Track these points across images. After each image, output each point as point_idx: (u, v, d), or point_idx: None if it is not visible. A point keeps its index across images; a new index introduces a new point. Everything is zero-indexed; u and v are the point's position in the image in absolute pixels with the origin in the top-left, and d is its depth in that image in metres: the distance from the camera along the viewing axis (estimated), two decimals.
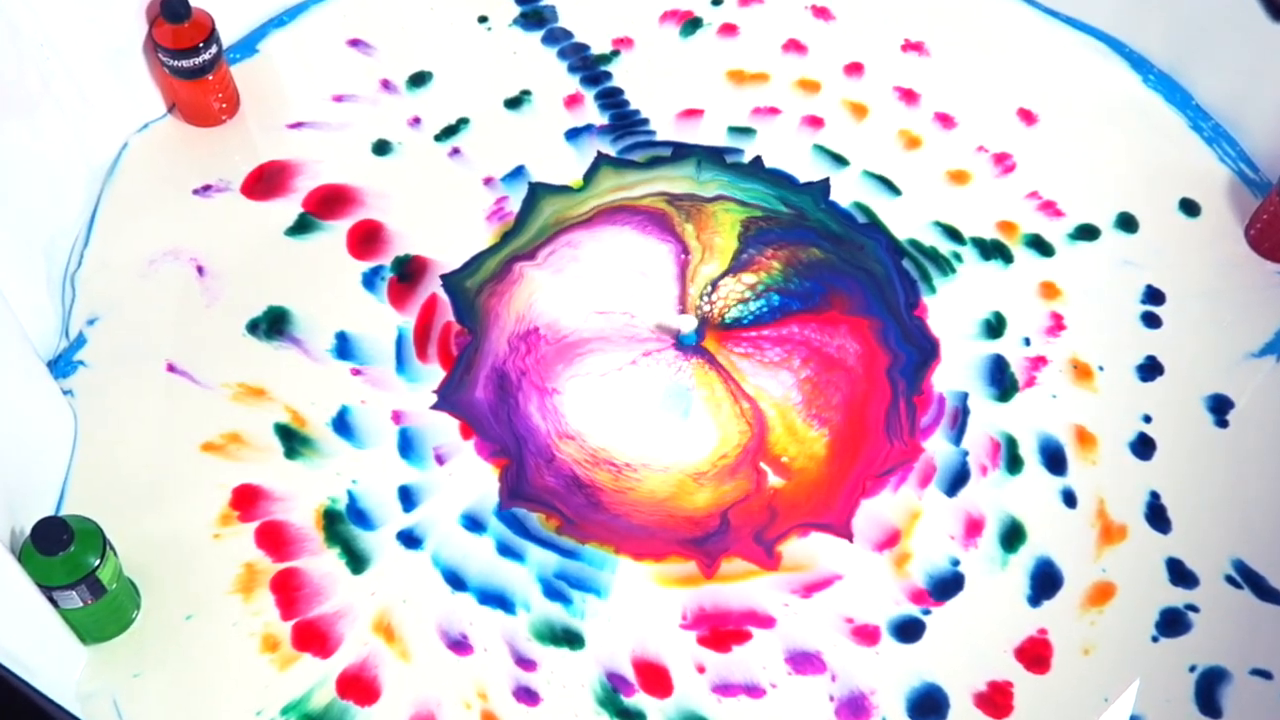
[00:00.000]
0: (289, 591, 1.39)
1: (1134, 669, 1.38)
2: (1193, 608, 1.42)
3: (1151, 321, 1.62)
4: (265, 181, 1.68)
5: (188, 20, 1.61)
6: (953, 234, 1.69)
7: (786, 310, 1.64)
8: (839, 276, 1.67)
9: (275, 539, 1.42)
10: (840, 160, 1.76)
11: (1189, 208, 1.72)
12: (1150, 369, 1.59)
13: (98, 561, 1.26)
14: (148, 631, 1.35)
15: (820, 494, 1.50)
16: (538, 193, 1.72)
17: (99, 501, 1.39)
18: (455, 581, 1.41)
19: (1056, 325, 1.62)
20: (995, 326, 1.62)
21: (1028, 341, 1.61)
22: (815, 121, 1.80)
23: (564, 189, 1.72)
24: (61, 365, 1.51)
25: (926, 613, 1.41)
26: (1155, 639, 1.40)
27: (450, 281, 1.63)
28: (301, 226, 1.65)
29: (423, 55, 1.82)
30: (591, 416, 1.54)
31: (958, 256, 1.68)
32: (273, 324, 1.57)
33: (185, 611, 1.36)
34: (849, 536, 1.47)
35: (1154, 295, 1.64)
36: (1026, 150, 1.77)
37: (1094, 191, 1.73)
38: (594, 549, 1.44)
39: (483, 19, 1.87)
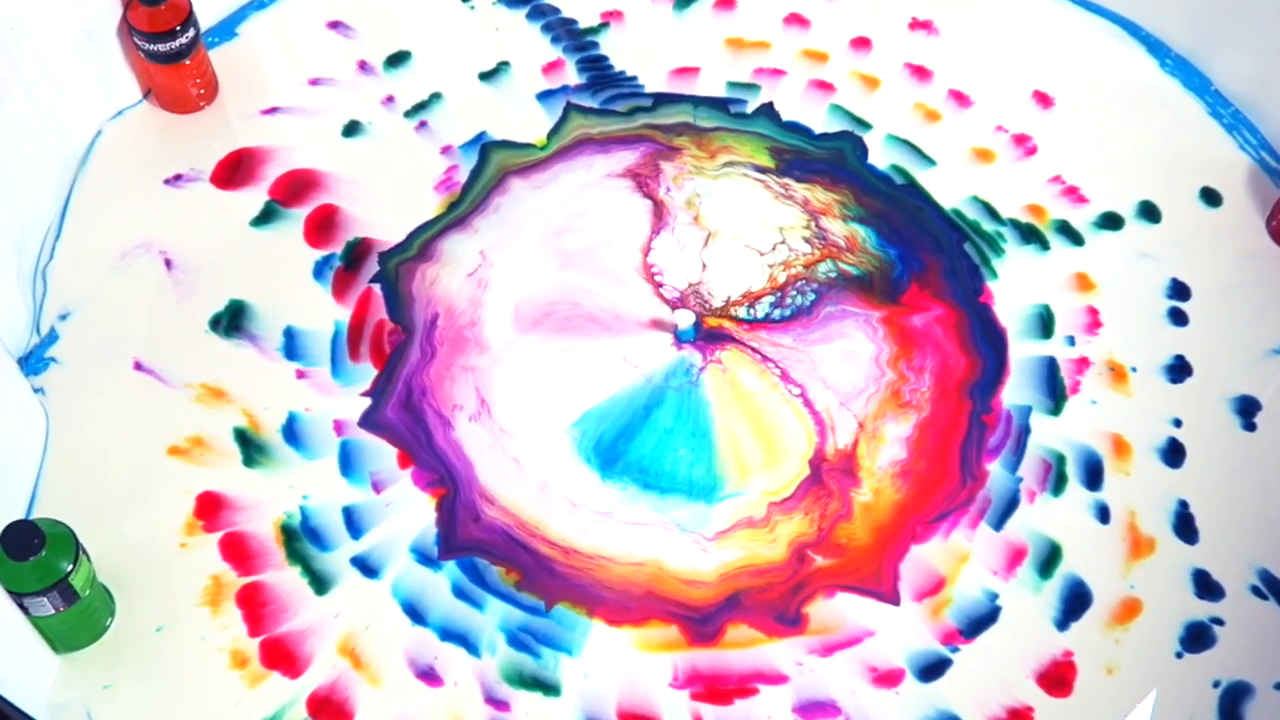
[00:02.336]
0: (255, 607, 1.37)
1: (1157, 687, 1.36)
2: (1218, 621, 1.40)
3: (1178, 318, 1.61)
4: (235, 170, 1.66)
5: (164, 2, 1.59)
6: (991, 212, 1.67)
7: (910, 270, 1.55)
8: (917, 235, 1.58)
9: (239, 551, 1.40)
10: (862, 123, 1.74)
11: (1210, 197, 1.71)
12: (1179, 370, 1.57)
13: (70, 567, 1.25)
14: (122, 640, 1.34)
15: (871, 562, 1.41)
16: (489, 154, 1.66)
17: (72, 504, 1.38)
18: (415, 614, 1.37)
19: (1094, 322, 1.59)
20: (1046, 322, 1.59)
21: (1072, 341, 1.58)
22: (826, 86, 1.77)
23: (525, 147, 1.68)
24: (32, 362, 1.50)
25: (955, 650, 1.38)
26: (1179, 655, 1.38)
27: (383, 266, 1.58)
28: (266, 215, 1.63)
29: (403, 36, 1.80)
30: (506, 474, 1.45)
31: (1001, 236, 1.65)
32: (232, 320, 1.55)
33: (160, 620, 1.35)
34: (896, 601, 1.39)
35: (1179, 290, 1.63)
36: (1045, 133, 1.76)
37: (1114, 179, 1.72)
38: (563, 608, 1.37)
39: None
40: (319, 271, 1.59)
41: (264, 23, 1.80)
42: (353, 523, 1.42)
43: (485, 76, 1.77)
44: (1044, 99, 1.79)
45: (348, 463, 1.46)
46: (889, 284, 1.58)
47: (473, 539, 1.41)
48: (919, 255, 1.59)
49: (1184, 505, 1.47)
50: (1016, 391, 1.54)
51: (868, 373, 1.53)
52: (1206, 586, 1.42)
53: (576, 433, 1.48)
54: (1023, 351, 1.57)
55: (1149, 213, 1.69)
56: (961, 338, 1.56)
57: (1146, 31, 1.86)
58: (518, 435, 1.48)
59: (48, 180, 1.61)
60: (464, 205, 1.64)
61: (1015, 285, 1.62)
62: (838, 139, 1.71)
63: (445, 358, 1.52)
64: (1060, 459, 1.49)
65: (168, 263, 1.58)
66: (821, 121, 1.74)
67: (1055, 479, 1.48)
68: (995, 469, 1.48)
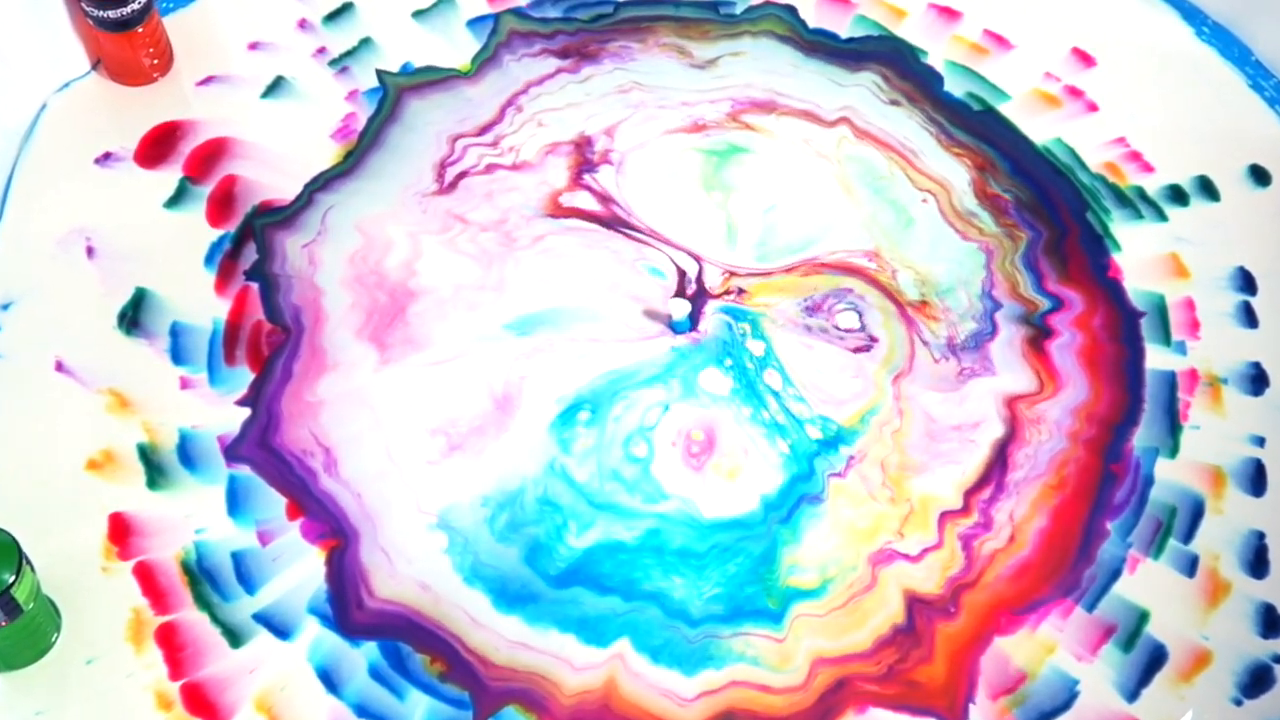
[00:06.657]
0: (174, 649, 1.33)
1: None
2: (1279, 659, 1.37)
3: (1248, 316, 1.56)
4: (158, 146, 1.63)
5: None
6: (1080, 162, 1.61)
7: (1056, 215, 1.41)
8: (1032, 171, 1.42)
9: (152, 585, 1.35)
10: (913, 49, 1.68)
11: (1259, 176, 1.69)
12: (1257, 379, 1.52)
13: (13, 578, 1.23)
14: (67, 658, 1.32)
15: (944, 694, 1.27)
16: (389, 88, 1.56)
17: (14, 510, 1.36)
18: (330, 683, 1.30)
19: (1193, 321, 1.52)
20: (1164, 318, 1.49)
21: (1183, 348, 1.49)
22: (845, 1, 1.70)
23: (442, 73, 1.61)
24: None
25: None
26: (1238, 702, 1.34)
27: (258, 239, 1.49)
28: (179, 195, 1.59)
29: None
30: (378, 563, 1.33)
31: (1099, 193, 1.58)
32: (135, 316, 1.51)
33: (91, 651, 1.33)
34: None
35: (1246, 282, 1.59)
36: (1096, 93, 1.73)
37: (1162, 153, 1.69)
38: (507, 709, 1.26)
39: None
40: (211, 256, 1.55)
41: None
42: (243, 575, 1.36)
43: (420, 15, 1.73)
44: (1086, 58, 1.76)
45: (234, 498, 1.39)
46: (1058, 235, 1.41)
47: (366, 625, 1.30)
48: (1049, 195, 1.42)
49: (1260, 537, 1.42)
50: (1144, 424, 1.46)
51: (1053, 443, 1.40)
52: (1270, 623, 1.38)
53: (442, 539, 1.36)
54: (1149, 363, 1.48)
55: (1207, 190, 1.66)
56: (1115, 351, 1.41)
57: None
58: (376, 513, 1.36)
59: None
60: (356, 154, 1.60)
61: (1131, 261, 1.53)
62: (883, 40, 1.58)
63: (299, 378, 1.41)
64: (1171, 514, 1.41)
65: (89, 250, 1.55)
66: (847, 30, 1.65)
67: (1160, 539, 1.40)
68: (1111, 535, 1.38)
